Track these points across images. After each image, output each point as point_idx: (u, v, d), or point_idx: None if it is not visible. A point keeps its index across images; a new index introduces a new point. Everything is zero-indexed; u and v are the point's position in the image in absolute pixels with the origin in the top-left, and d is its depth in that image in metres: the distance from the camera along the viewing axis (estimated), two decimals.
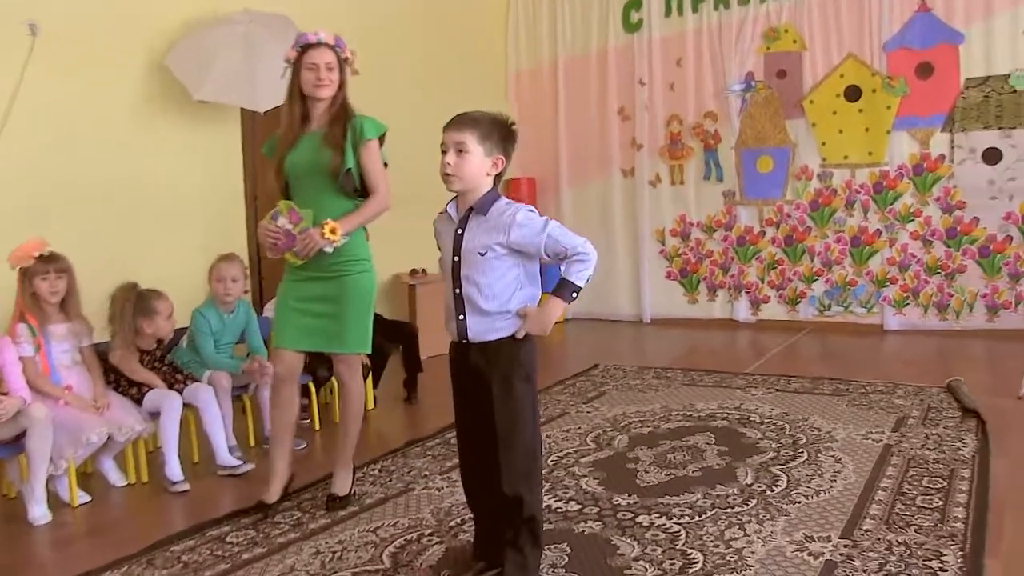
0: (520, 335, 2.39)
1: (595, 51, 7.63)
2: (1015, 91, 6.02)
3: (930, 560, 2.63)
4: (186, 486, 3.50)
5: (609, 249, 7.55)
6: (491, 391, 2.38)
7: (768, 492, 3.26)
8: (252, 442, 4.13)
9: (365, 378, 3.90)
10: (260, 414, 4.13)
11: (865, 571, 2.58)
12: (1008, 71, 6.04)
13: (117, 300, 3.65)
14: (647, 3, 7.35)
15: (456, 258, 2.40)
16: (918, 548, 2.72)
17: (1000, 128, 6.09)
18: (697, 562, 2.67)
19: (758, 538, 2.84)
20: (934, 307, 6.45)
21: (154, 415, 3.58)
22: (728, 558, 2.70)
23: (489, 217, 2.38)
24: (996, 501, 3.09)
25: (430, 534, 2.96)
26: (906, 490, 3.23)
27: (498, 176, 2.43)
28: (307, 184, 3.10)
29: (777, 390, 4.87)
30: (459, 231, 2.41)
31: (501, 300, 2.37)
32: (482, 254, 2.36)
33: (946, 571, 2.56)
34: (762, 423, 4.19)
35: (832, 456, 3.66)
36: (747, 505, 3.13)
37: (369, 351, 3.30)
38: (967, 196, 6.25)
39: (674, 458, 3.70)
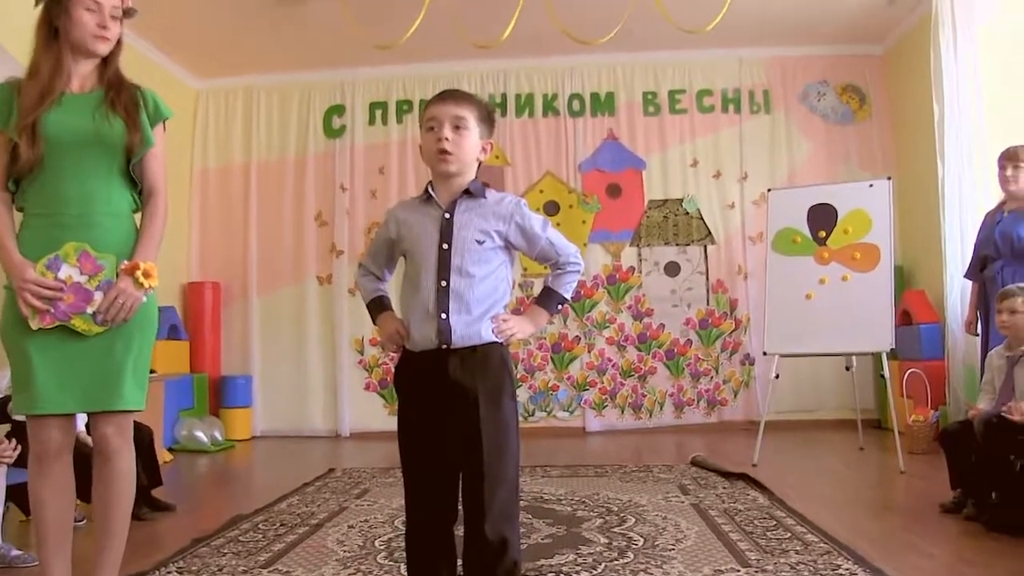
0: (502, 336, 2.03)
1: (293, 154, 7.31)
2: (687, 213, 6.95)
3: (836, 569, 2.67)
4: None
5: (302, 360, 7.06)
6: (477, 411, 1.98)
7: (635, 546, 3.09)
8: None
9: None
10: None
11: None
12: (681, 196, 6.98)
13: None
14: (350, 110, 7.29)
15: (445, 246, 2.01)
16: (815, 563, 2.75)
17: (678, 244, 6.94)
18: None
19: None
20: (630, 408, 6.92)
21: None
22: None
23: (487, 203, 2.07)
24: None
25: None
26: (750, 531, 3.28)
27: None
28: (81, 160, 2.23)
29: (542, 476, 4.75)
30: (447, 216, 2.03)
31: (489, 301, 2.03)
32: (480, 242, 2.02)
33: (856, 572, 2.61)
34: (560, 500, 4.02)
35: (657, 515, 3.61)
36: (629, 557, 2.93)
37: (144, 408, 2.30)
38: (654, 304, 6.94)
39: None
